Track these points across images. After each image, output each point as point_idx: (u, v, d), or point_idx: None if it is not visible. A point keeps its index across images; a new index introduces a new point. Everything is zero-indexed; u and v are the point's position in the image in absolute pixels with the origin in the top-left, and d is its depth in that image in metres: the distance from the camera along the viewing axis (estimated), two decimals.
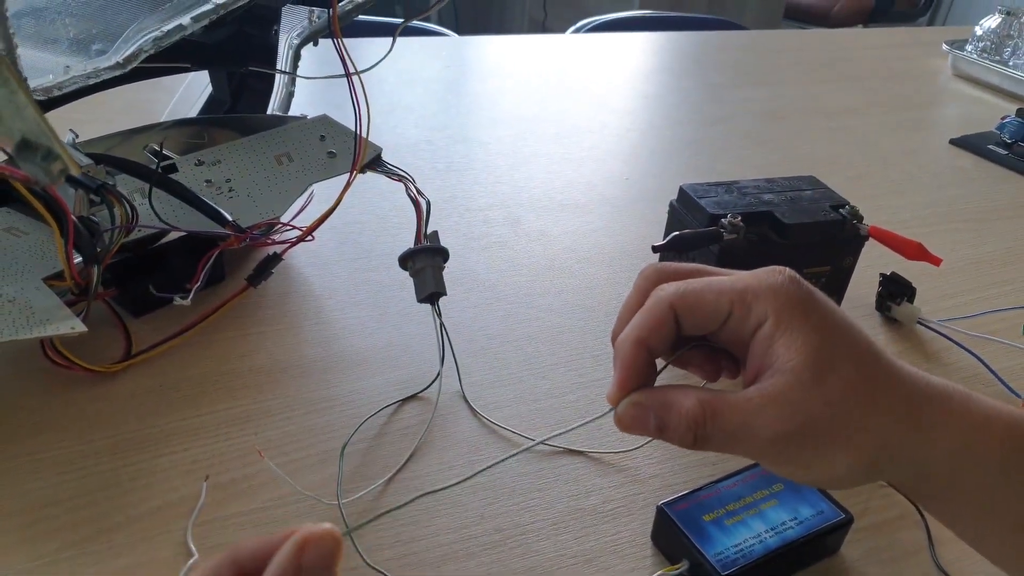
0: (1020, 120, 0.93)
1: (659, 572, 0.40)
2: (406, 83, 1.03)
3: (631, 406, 0.31)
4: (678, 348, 0.34)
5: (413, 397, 0.51)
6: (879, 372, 0.30)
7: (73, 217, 0.43)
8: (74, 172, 0.33)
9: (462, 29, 2.97)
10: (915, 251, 0.55)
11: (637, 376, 0.32)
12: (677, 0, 2.24)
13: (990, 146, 0.95)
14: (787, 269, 0.31)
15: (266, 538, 0.23)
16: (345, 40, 0.59)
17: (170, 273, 0.54)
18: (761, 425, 0.29)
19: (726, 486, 0.43)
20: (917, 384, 0.31)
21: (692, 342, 0.34)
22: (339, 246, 0.66)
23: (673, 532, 0.40)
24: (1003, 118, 0.95)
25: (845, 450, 0.29)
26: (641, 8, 2.13)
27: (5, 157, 0.42)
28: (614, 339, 0.33)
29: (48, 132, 0.33)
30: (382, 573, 0.39)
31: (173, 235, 0.54)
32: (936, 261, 0.55)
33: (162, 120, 0.66)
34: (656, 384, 0.32)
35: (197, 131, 0.64)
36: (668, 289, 0.32)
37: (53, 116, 0.51)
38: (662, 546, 0.42)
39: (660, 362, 0.33)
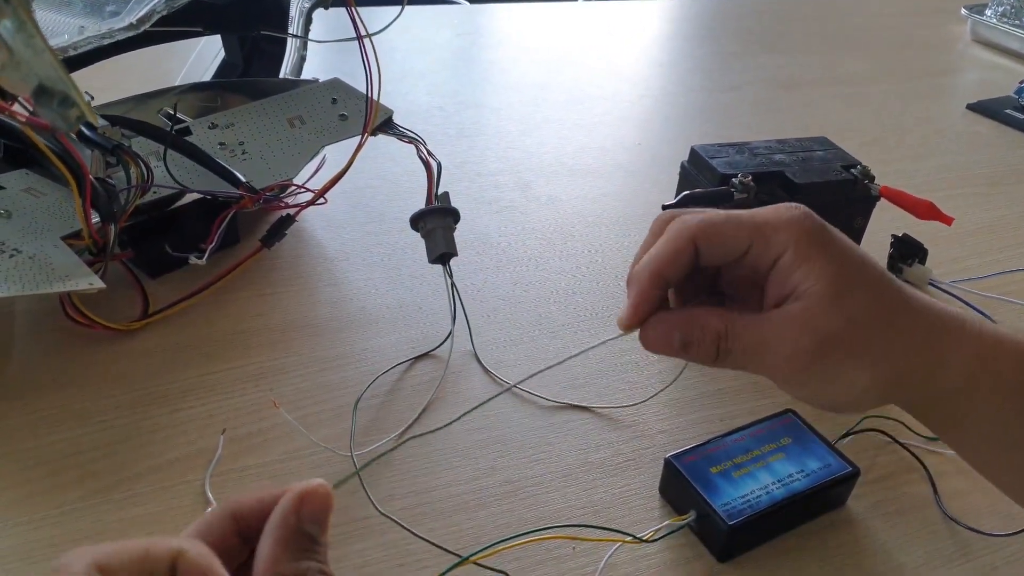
0: None
1: (667, 522, 0.41)
2: (417, 51, 1.03)
3: (656, 324, 0.32)
4: (690, 284, 0.34)
5: (425, 355, 0.52)
6: (896, 297, 0.31)
7: (91, 176, 0.44)
8: (91, 118, 0.34)
9: None
10: (927, 210, 0.55)
11: (650, 305, 0.32)
12: None
13: (1008, 111, 0.94)
14: (802, 205, 0.32)
15: (262, 493, 0.24)
16: (356, 6, 0.59)
17: (185, 235, 0.55)
18: (784, 340, 0.30)
19: (733, 440, 0.43)
20: (933, 310, 0.31)
21: (701, 289, 0.34)
22: (351, 209, 0.66)
23: (681, 484, 0.41)
24: (1021, 82, 0.94)
25: (864, 368, 0.30)
26: None
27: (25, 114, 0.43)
28: (631, 281, 0.33)
29: (66, 78, 0.33)
30: (394, 521, 0.40)
31: (188, 198, 0.55)
32: (948, 220, 0.55)
33: (176, 85, 0.66)
34: None
35: (210, 95, 0.64)
36: (689, 220, 0.32)
37: None
38: (670, 498, 0.43)
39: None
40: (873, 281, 0.31)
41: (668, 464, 0.42)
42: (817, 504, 0.42)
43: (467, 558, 0.37)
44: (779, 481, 0.41)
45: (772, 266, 0.31)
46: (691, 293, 0.34)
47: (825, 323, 0.30)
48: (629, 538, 0.39)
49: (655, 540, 0.40)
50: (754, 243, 0.31)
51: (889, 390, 0.31)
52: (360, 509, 0.41)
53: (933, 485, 0.45)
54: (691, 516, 0.40)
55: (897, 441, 0.47)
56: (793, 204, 0.32)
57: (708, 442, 0.43)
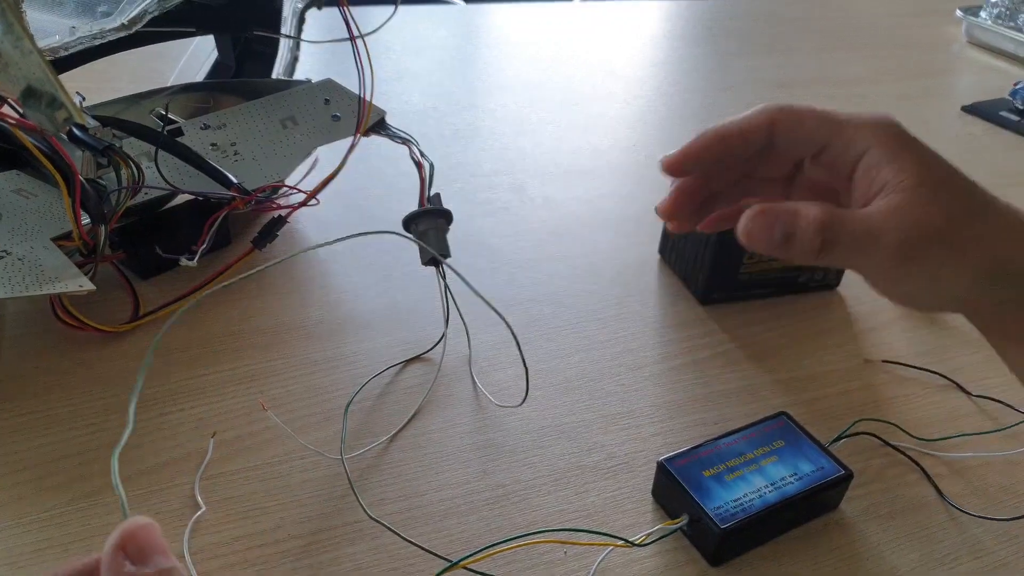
0: None
1: (659, 526, 0.41)
2: (412, 51, 1.03)
3: (756, 215, 0.31)
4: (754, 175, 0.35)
5: (418, 358, 0.51)
6: (985, 194, 0.31)
7: (80, 177, 0.44)
8: (79, 120, 0.33)
9: None
10: None
11: (697, 155, 0.33)
12: None
13: (1002, 112, 0.94)
14: (882, 114, 0.32)
15: (81, 558, 0.23)
16: (349, 6, 0.59)
17: (177, 236, 0.54)
18: (889, 229, 0.30)
19: (726, 443, 0.43)
20: (1017, 208, 0.32)
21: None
22: (344, 210, 0.66)
23: (673, 487, 0.41)
24: (1015, 84, 0.94)
25: (968, 258, 0.30)
26: None
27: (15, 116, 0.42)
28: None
29: (53, 80, 0.33)
30: (384, 525, 0.40)
31: (180, 199, 0.55)
32: None
33: (168, 85, 0.66)
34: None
35: (203, 96, 0.64)
36: (773, 103, 0.33)
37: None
38: (662, 501, 0.43)
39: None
40: (960, 179, 0.31)
41: (660, 467, 0.42)
42: (810, 507, 0.42)
43: (458, 562, 0.37)
44: (772, 484, 0.40)
45: (855, 165, 0.32)
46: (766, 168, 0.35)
47: (928, 217, 0.30)
48: (621, 542, 0.39)
49: (647, 544, 0.40)
50: (832, 139, 0.32)
51: (987, 284, 0.31)
52: (350, 513, 0.41)
53: (934, 484, 0.45)
54: (683, 520, 0.40)
55: (890, 444, 0.47)
56: (878, 112, 0.32)
57: (701, 445, 0.43)
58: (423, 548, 0.39)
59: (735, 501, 0.39)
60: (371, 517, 0.40)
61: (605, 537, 0.40)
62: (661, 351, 0.54)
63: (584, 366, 0.52)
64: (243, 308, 0.55)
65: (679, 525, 0.40)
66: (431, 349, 0.52)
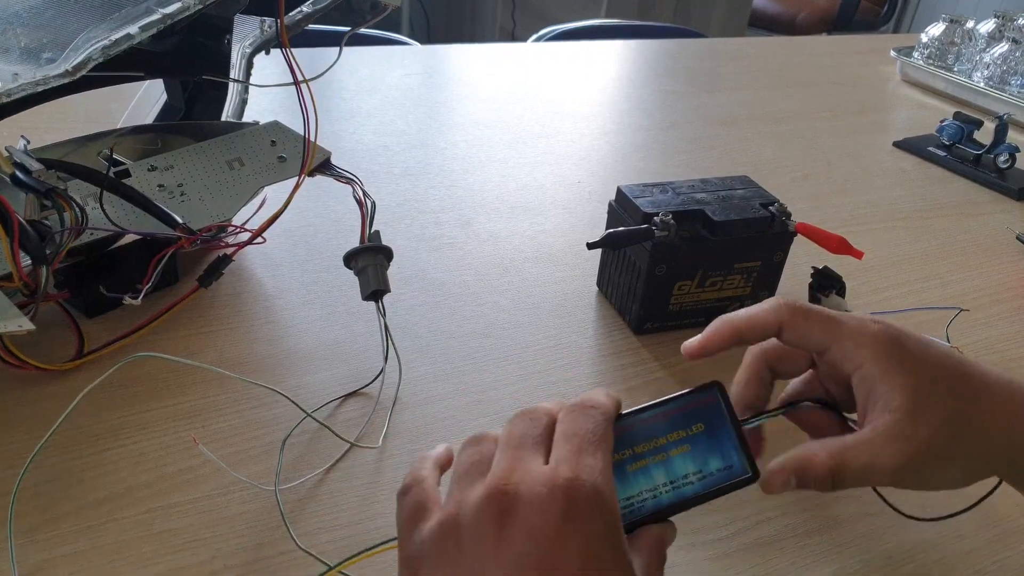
0: (958, 123, 0.97)
1: None
2: (366, 91, 1.05)
3: (776, 474, 0.37)
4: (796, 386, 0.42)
5: (357, 392, 0.53)
6: (975, 392, 0.36)
7: (19, 218, 0.45)
8: (6, 169, 0.35)
9: (434, 39, 3.00)
10: (838, 245, 0.58)
11: (713, 346, 0.40)
12: (643, 10, 2.28)
13: (930, 148, 0.99)
14: (882, 320, 0.38)
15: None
16: (305, 49, 0.61)
17: (125, 275, 0.55)
18: (884, 462, 0.35)
19: (643, 419, 0.38)
20: (1009, 388, 0.37)
21: (804, 399, 0.41)
22: (291, 248, 0.67)
23: None
24: (942, 121, 0.99)
25: (957, 466, 0.36)
26: (607, 17, 2.16)
27: None
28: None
29: None
30: (314, 556, 0.41)
31: (128, 238, 0.56)
32: (858, 255, 0.58)
33: (118, 127, 0.68)
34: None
35: (152, 138, 0.65)
36: (784, 303, 0.39)
37: (8, 124, 0.53)
38: None
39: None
40: (950, 385, 0.36)
41: None
42: (703, 505, 0.38)
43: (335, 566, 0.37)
44: (672, 483, 0.37)
45: (853, 373, 0.37)
46: (796, 395, 0.42)
47: (916, 438, 0.35)
48: None
49: None
50: (832, 346, 0.38)
51: (984, 473, 0.37)
52: (284, 543, 0.42)
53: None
54: None
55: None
56: (873, 318, 0.38)
57: (624, 416, 0.38)
58: None
59: (627, 500, 0.36)
60: (301, 547, 0.41)
61: None
62: (595, 380, 0.56)
63: (519, 396, 0.54)
64: (189, 344, 0.56)
65: None
66: (371, 383, 0.53)
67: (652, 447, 0.37)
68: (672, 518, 0.36)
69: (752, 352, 0.41)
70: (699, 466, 0.37)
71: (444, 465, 0.36)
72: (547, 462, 0.32)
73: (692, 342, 0.40)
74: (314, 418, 0.48)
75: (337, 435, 0.48)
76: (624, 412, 0.37)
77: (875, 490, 0.44)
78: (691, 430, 0.38)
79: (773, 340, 0.40)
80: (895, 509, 0.44)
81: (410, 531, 0.32)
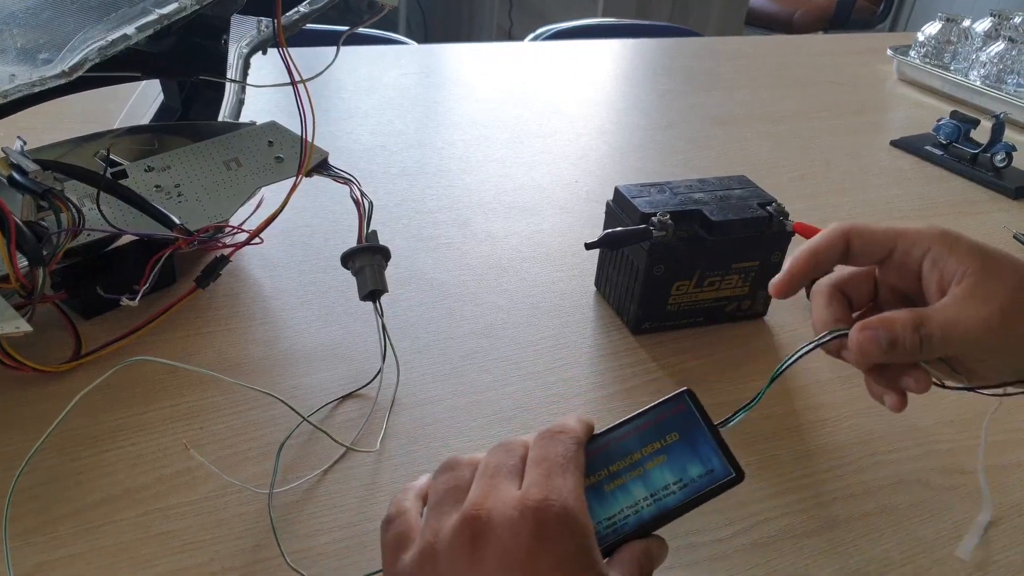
0: (954, 122, 0.97)
1: None
2: (364, 91, 1.05)
3: (859, 330, 0.38)
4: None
5: (355, 393, 0.53)
6: None
7: (16, 219, 0.45)
8: (2, 171, 0.35)
9: (431, 38, 3.00)
10: None
11: (799, 277, 0.41)
12: (640, 9, 2.29)
13: (927, 147, 0.99)
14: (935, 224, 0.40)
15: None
16: (302, 49, 0.60)
17: (122, 275, 0.55)
18: (970, 314, 0.36)
19: (616, 437, 0.38)
20: None
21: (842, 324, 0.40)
22: (289, 248, 0.67)
23: None
24: (939, 120, 0.99)
25: None
26: (604, 17, 2.16)
27: None
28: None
29: None
30: (299, 573, 0.41)
31: (125, 239, 0.56)
32: None
33: (114, 128, 0.67)
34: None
35: (148, 138, 0.65)
36: (844, 222, 0.41)
37: (4, 124, 0.53)
38: None
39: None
40: (1010, 258, 0.38)
41: None
42: (687, 512, 0.38)
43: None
44: (652, 496, 0.36)
45: (920, 263, 0.39)
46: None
47: (998, 291, 0.36)
48: None
49: None
50: (898, 244, 0.39)
51: None
52: (284, 545, 0.42)
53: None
54: None
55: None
56: (929, 224, 0.40)
57: (590, 440, 0.37)
58: None
59: (609, 519, 0.36)
60: (289, 564, 0.41)
61: None
62: (593, 380, 0.56)
63: (518, 396, 0.54)
64: (186, 346, 0.56)
65: None
66: (368, 384, 0.53)
67: (627, 464, 0.37)
68: (664, 528, 0.36)
69: (821, 284, 0.42)
70: (678, 475, 0.37)
71: (425, 496, 0.36)
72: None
73: (778, 279, 0.42)
74: (310, 422, 0.48)
75: (334, 439, 0.48)
76: (596, 433, 0.37)
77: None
78: (665, 440, 0.38)
79: (837, 272, 0.42)
80: None
81: (393, 562, 0.33)
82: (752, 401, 0.39)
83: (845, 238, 0.40)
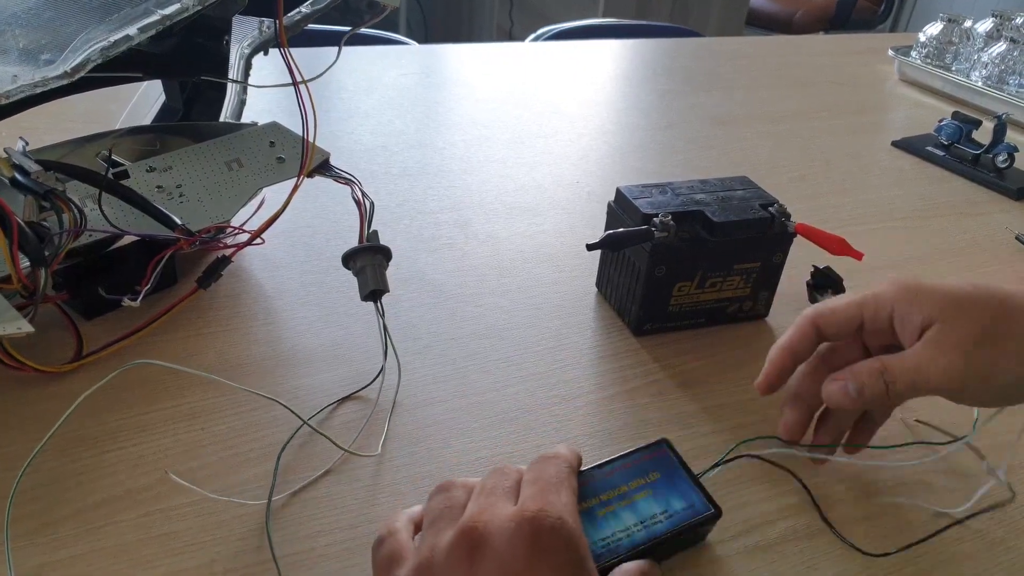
0: (956, 123, 0.97)
1: None
2: (364, 91, 1.05)
3: (830, 382, 0.41)
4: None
5: (356, 394, 0.53)
6: (1003, 295, 0.39)
7: (18, 220, 0.45)
8: (4, 171, 0.35)
9: (432, 39, 3.00)
10: (838, 246, 0.58)
11: (779, 374, 0.44)
12: (640, 9, 2.28)
13: (928, 148, 0.99)
14: (891, 276, 0.43)
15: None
16: (304, 49, 0.61)
17: (124, 276, 0.55)
18: (934, 359, 0.38)
19: (603, 474, 0.42)
20: None
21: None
22: (290, 248, 0.67)
23: None
24: (940, 121, 0.99)
25: (1010, 354, 0.38)
26: (604, 17, 2.16)
27: None
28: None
29: None
30: (278, 570, 0.41)
31: (127, 240, 0.56)
32: (858, 256, 0.58)
33: (116, 128, 0.67)
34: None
35: (150, 138, 0.65)
36: (807, 311, 0.44)
37: (6, 125, 0.53)
38: None
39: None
40: (978, 293, 0.39)
41: None
42: (677, 544, 0.42)
43: None
44: (642, 523, 0.39)
45: (890, 323, 0.40)
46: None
47: (963, 333, 0.37)
48: None
49: None
50: (863, 313, 0.41)
51: None
52: (284, 547, 0.42)
53: (815, 502, 0.47)
54: None
55: (769, 461, 0.49)
56: (888, 279, 0.42)
57: (580, 473, 0.41)
58: None
59: (603, 541, 0.38)
60: (276, 564, 0.41)
61: None
62: (595, 382, 0.56)
63: (520, 398, 0.54)
64: (187, 346, 0.56)
65: None
66: (369, 384, 0.53)
67: (616, 494, 0.41)
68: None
69: (803, 315, 0.45)
70: (663, 506, 0.41)
71: (418, 522, 0.37)
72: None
73: (760, 382, 0.45)
74: (311, 426, 0.48)
75: (334, 443, 0.48)
76: (582, 469, 0.41)
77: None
78: (648, 478, 0.42)
79: (827, 348, 0.45)
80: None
81: None
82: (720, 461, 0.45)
83: (814, 326, 0.43)
